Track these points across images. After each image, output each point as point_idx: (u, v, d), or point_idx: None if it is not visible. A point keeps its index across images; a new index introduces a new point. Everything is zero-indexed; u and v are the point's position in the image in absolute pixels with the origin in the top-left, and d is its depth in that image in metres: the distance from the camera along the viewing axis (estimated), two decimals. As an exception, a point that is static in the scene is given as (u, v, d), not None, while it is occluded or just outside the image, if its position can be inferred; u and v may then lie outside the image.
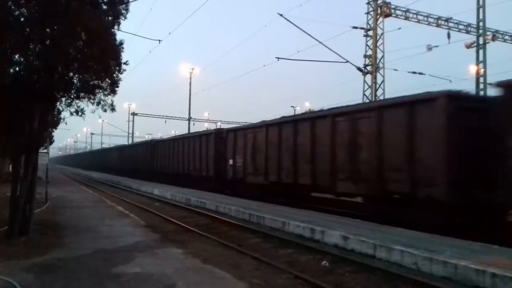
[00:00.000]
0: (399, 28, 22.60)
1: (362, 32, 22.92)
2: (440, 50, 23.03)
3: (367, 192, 11.20)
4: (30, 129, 8.73)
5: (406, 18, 23.14)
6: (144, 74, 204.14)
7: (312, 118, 13.69)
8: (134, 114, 55.55)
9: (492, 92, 12.02)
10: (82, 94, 9.22)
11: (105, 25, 8.71)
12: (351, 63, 22.24)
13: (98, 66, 8.73)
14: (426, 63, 26.41)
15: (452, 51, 26.19)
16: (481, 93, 18.86)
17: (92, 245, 7.93)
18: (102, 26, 8.44)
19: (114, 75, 9.31)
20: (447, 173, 8.94)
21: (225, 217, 12.53)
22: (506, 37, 25.14)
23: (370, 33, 22.68)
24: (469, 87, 20.28)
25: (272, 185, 15.63)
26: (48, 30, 8.30)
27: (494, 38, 22.00)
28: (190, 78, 43.52)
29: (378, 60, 22.63)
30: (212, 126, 54.62)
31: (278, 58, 22.14)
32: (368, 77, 22.72)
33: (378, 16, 22.47)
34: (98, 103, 9.44)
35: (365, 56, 22.88)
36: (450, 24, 23.85)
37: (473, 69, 21.09)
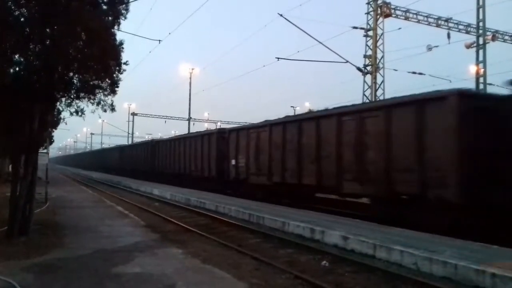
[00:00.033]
0: (399, 28, 22.66)
1: (362, 32, 22.95)
2: (440, 50, 23.09)
3: (374, 193, 10.98)
4: (30, 129, 8.72)
5: (406, 18, 23.16)
6: (144, 74, 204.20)
7: (317, 118, 13.43)
8: (134, 114, 55.61)
9: (505, 91, 11.78)
10: (82, 94, 9.23)
11: (105, 25, 8.71)
12: (351, 63, 22.28)
13: (98, 66, 8.73)
14: (426, 63, 26.49)
15: (452, 51, 26.24)
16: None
17: (92, 245, 7.92)
18: (102, 26, 8.44)
19: (114, 75, 9.31)
20: (459, 174, 8.72)
21: (225, 217, 12.53)
22: (506, 37, 25.17)
23: (370, 33, 22.70)
24: (469, 87, 20.21)
25: (276, 186, 15.42)
26: (48, 30, 8.30)
27: (494, 38, 22.01)
28: (190, 78, 43.59)
29: (378, 60, 22.64)
30: (212, 126, 54.67)
31: (278, 58, 22.16)
32: (368, 77, 22.74)
33: (378, 16, 22.49)
34: (98, 103, 9.44)
35: (365, 56, 22.90)
36: (450, 24, 23.88)
37: (473, 69, 21.12)
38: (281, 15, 20.01)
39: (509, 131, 8.69)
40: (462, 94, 9.05)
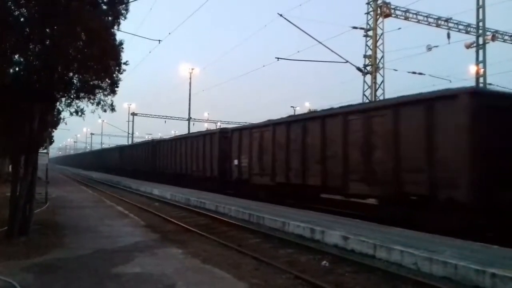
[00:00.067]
0: (399, 28, 22.65)
1: (362, 32, 22.94)
2: (440, 50, 23.07)
3: (382, 194, 10.71)
4: (30, 129, 8.72)
5: (406, 18, 23.15)
6: (144, 74, 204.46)
7: (322, 117, 13.17)
8: (134, 114, 55.58)
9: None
10: (82, 94, 9.23)
11: (105, 25, 8.71)
12: (351, 63, 22.26)
13: (98, 66, 8.73)
14: (426, 63, 26.46)
15: (452, 51, 26.25)
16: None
17: (92, 245, 7.92)
18: (102, 26, 8.44)
19: (114, 75, 9.32)
20: (471, 174, 8.48)
21: (225, 217, 12.52)
22: (506, 37, 25.17)
23: (370, 33, 22.69)
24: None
25: (279, 186, 15.17)
26: (48, 30, 8.30)
27: (493, 38, 22.00)
28: (190, 78, 43.60)
29: (378, 60, 22.64)
30: (212, 126, 54.66)
31: (278, 58, 22.11)
32: (368, 77, 22.73)
33: (378, 16, 22.48)
34: (98, 103, 9.44)
35: (365, 56, 22.89)
36: (450, 24, 23.87)
37: (473, 69, 21.11)
38: (281, 15, 20.02)
39: None
40: (474, 92, 8.78)
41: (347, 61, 21.79)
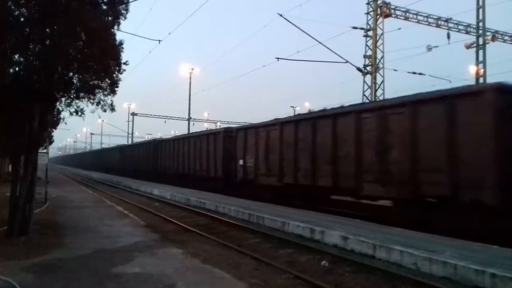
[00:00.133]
0: (399, 29, 22.66)
1: (362, 32, 22.94)
2: (440, 51, 23.08)
3: (398, 195, 10.26)
4: (30, 129, 8.72)
5: (406, 19, 23.17)
6: (144, 74, 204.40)
7: (334, 115, 12.67)
8: (134, 114, 55.60)
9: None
10: (82, 94, 9.23)
11: (105, 25, 8.71)
12: (351, 63, 22.27)
13: (98, 66, 8.73)
14: (426, 63, 26.47)
15: (452, 51, 26.24)
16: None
17: (92, 245, 7.92)
18: (102, 26, 8.44)
19: (114, 75, 9.32)
20: (496, 174, 8.10)
21: (225, 217, 12.52)
22: (506, 38, 25.19)
23: (370, 33, 22.70)
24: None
25: (287, 187, 14.71)
26: (48, 30, 8.30)
27: (493, 39, 22.01)
28: (190, 78, 43.63)
29: (378, 60, 22.65)
30: (212, 126, 54.70)
31: (278, 58, 22.12)
32: (368, 77, 22.74)
33: (378, 17, 22.49)
34: (98, 103, 9.45)
35: (365, 56, 22.90)
36: (450, 25, 23.89)
37: (473, 69, 21.11)
38: (281, 15, 20.03)
39: None
40: (500, 89, 8.38)
41: (347, 61, 21.81)
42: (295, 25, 20.40)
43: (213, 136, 21.48)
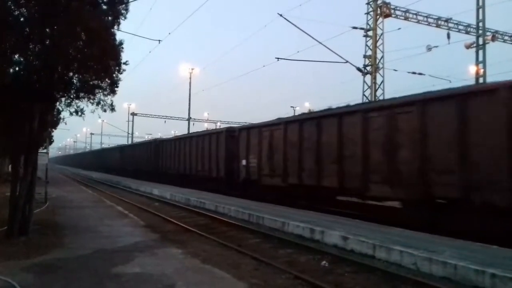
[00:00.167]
0: (399, 29, 22.67)
1: (362, 32, 22.96)
2: (440, 51, 23.09)
3: (406, 197, 10.05)
4: (30, 129, 8.72)
5: (406, 19, 23.18)
6: (144, 74, 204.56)
7: (339, 114, 12.43)
8: (134, 114, 55.63)
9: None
10: (81, 94, 9.23)
11: (105, 25, 8.71)
12: (350, 63, 22.28)
13: (98, 66, 8.73)
14: (426, 64, 26.48)
15: (451, 51, 26.27)
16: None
17: (92, 245, 7.92)
18: (102, 26, 8.44)
19: (114, 75, 9.32)
20: (511, 176, 7.84)
21: (225, 217, 12.52)
22: (506, 38, 25.20)
23: (370, 33, 22.71)
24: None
25: (291, 187, 14.49)
26: (48, 30, 8.30)
27: (493, 39, 22.02)
28: (190, 78, 43.66)
29: (377, 60, 22.65)
30: (212, 126, 54.71)
31: (278, 58, 22.13)
32: (368, 77, 22.75)
33: (378, 17, 22.50)
34: (98, 103, 9.44)
35: (364, 56, 22.91)
36: (450, 25, 23.90)
37: (472, 69, 21.12)
38: (281, 15, 20.03)
39: None
40: None
41: (347, 61, 21.82)
42: (295, 25, 20.44)
43: (215, 136, 21.26)
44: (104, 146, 78.04)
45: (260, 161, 16.26)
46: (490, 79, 19.03)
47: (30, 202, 8.87)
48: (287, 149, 14.62)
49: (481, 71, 19.65)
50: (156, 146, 31.26)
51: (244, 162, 17.42)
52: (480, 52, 19.74)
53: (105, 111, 9.62)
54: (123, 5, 9.10)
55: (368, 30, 22.77)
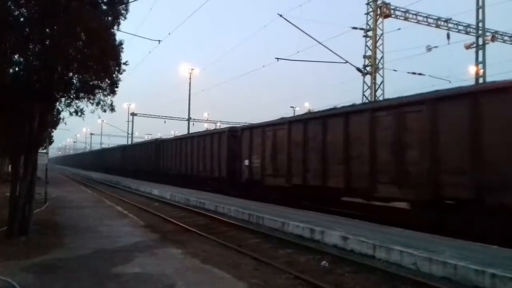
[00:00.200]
0: (399, 29, 22.68)
1: (362, 32, 22.95)
2: (440, 51, 23.08)
3: (415, 197, 9.86)
4: (30, 129, 8.72)
5: (406, 19, 23.18)
6: (144, 74, 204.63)
7: (346, 113, 12.23)
8: (133, 114, 55.63)
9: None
10: (81, 94, 9.23)
11: (105, 25, 8.71)
12: (350, 64, 22.28)
13: (97, 66, 8.73)
14: (426, 64, 26.47)
15: (451, 51, 26.28)
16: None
17: (92, 245, 7.92)
18: (102, 26, 8.44)
19: (114, 75, 9.32)
20: None
21: (224, 217, 12.52)
22: (506, 38, 25.20)
23: (370, 33, 22.71)
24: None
25: (295, 188, 14.31)
26: (48, 30, 8.30)
27: (493, 39, 22.01)
28: (190, 78, 43.67)
29: (377, 61, 22.66)
30: (212, 126, 54.72)
31: (278, 58, 22.12)
32: (368, 78, 22.74)
33: (377, 17, 22.50)
34: (98, 103, 9.44)
35: (364, 56, 22.91)
36: (450, 25, 23.90)
37: (472, 69, 21.13)
38: (281, 15, 20.04)
39: None
40: None
41: (347, 62, 21.82)
42: (295, 25, 20.44)
43: (217, 135, 21.08)
44: (104, 146, 78.10)
45: (263, 161, 16.09)
46: (490, 79, 19.03)
47: (30, 202, 8.87)
48: (291, 149, 14.44)
49: (481, 71, 19.65)
50: (157, 146, 31.10)
51: (246, 162, 17.25)
52: (480, 52, 19.74)
53: (105, 111, 9.63)
54: (123, 5, 9.11)
55: (368, 30, 22.78)
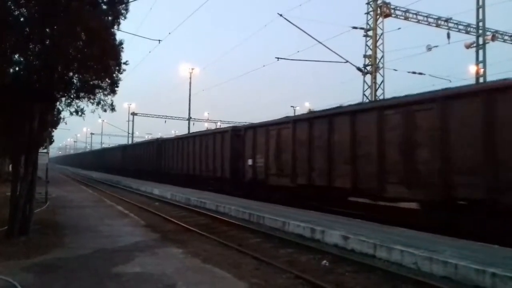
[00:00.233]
0: (399, 28, 22.65)
1: (362, 32, 22.93)
2: (440, 50, 23.11)
3: (425, 198, 9.67)
4: (30, 129, 8.73)
5: (406, 18, 23.16)
6: (144, 74, 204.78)
7: (352, 112, 12.02)
8: (134, 114, 55.58)
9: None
10: (82, 94, 9.23)
11: (105, 25, 8.71)
12: (350, 63, 22.26)
13: (98, 66, 8.73)
14: (426, 63, 26.47)
15: (451, 51, 26.25)
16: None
17: (92, 245, 7.93)
18: (102, 26, 8.44)
19: (114, 75, 9.32)
20: None
21: (225, 216, 12.52)
22: (506, 37, 25.18)
23: (370, 33, 22.69)
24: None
25: (300, 188, 14.09)
26: (48, 30, 8.30)
27: (493, 38, 21.99)
28: (190, 78, 43.62)
29: (377, 60, 22.64)
30: (212, 126, 54.72)
31: (278, 58, 22.09)
32: (368, 77, 22.73)
33: (378, 16, 22.48)
34: (98, 103, 9.45)
35: (364, 56, 22.89)
36: (450, 24, 23.89)
37: (472, 69, 21.11)
38: (281, 15, 20.01)
39: None
40: None
41: (347, 61, 21.80)
42: (295, 25, 20.41)
43: (220, 135, 20.90)
44: (104, 146, 78.11)
45: (267, 161, 15.90)
46: (490, 78, 19.01)
47: (30, 202, 8.87)
48: (296, 148, 14.24)
49: (481, 71, 19.63)
50: (159, 145, 30.95)
51: (250, 161, 17.08)
52: (480, 52, 19.72)
53: (105, 111, 9.64)
54: (123, 5, 9.11)
55: (368, 30, 22.76)
